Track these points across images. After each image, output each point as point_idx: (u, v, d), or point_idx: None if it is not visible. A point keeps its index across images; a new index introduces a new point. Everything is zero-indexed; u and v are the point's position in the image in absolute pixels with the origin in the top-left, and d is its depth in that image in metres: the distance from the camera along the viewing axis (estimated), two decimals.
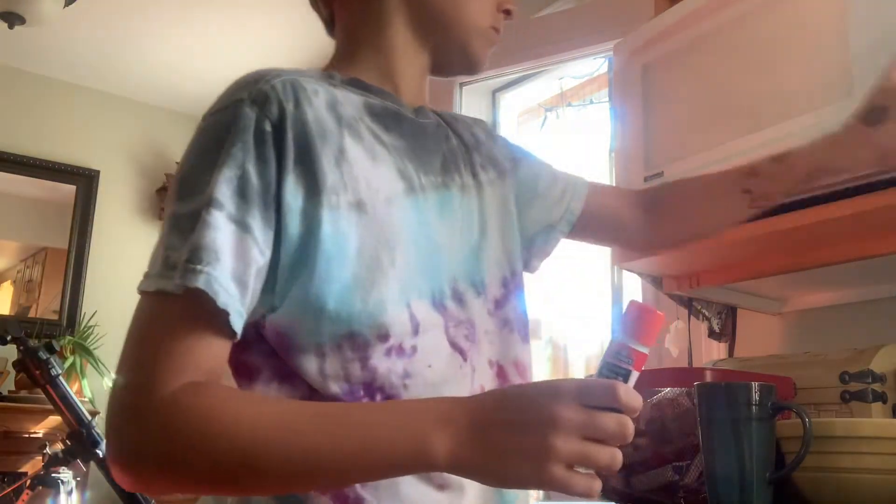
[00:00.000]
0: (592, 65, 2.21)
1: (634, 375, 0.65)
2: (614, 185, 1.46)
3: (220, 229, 0.65)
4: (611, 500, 1.09)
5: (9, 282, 3.63)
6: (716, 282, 1.30)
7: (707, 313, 1.48)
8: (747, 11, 1.14)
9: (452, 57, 0.88)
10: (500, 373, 0.83)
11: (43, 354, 1.88)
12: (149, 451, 0.62)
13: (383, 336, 0.71)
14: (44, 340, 1.98)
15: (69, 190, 3.71)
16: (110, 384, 3.75)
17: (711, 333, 1.48)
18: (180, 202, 0.68)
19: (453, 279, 0.79)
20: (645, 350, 0.66)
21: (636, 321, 0.66)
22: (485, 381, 0.80)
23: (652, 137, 1.26)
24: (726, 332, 1.48)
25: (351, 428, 0.62)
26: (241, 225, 0.67)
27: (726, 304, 1.47)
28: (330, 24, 0.90)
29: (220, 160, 0.68)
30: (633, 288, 1.89)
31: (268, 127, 0.70)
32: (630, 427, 0.61)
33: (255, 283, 0.68)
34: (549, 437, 0.58)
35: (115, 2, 3.04)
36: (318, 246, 0.69)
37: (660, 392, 1.02)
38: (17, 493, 1.95)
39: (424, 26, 0.85)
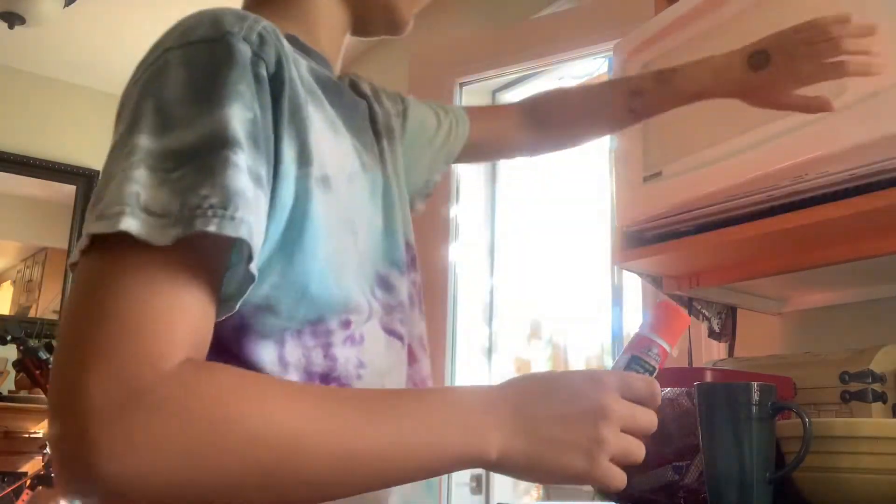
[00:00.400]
0: (592, 65, 2.21)
1: (656, 372, 0.66)
2: (611, 187, 1.46)
3: (246, 174, 0.54)
4: (611, 500, 1.09)
5: (9, 282, 3.63)
6: (716, 282, 1.30)
7: (707, 313, 1.48)
8: (745, 9, 1.13)
9: (375, 14, 0.82)
10: (410, 353, 0.77)
11: (43, 354, 1.89)
12: (159, 444, 0.46)
13: (345, 323, 0.66)
14: (44, 340, 1.98)
15: (69, 190, 3.71)
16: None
17: (711, 333, 1.48)
18: (158, 136, 0.55)
19: (378, 263, 0.74)
20: (670, 349, 0.66)
21: (668, 320, 0.66)
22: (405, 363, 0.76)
23: (651, 137, 1.26)
24: (726, 332, 1.48)
25: (394, 417, 0.54)
26: (256, 176, 0.56)
27: (726, 304, 1.46)
28: None
29: (224, 94, 0.56)
30: (633, 288, 1.89)
31: (264, 72, 0.59)
32: (656, 423, 0.61)
33: (260, 249, 0.58)
34: (601, 429, 0.57)
35: (114, 2, 3.04)
36: (306, 219, 0.61)
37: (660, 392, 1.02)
38: (17, 493, 1.95)
39: None
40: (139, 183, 0.52)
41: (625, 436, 0.59)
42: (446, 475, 2.06)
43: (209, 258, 0.53)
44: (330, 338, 0.65)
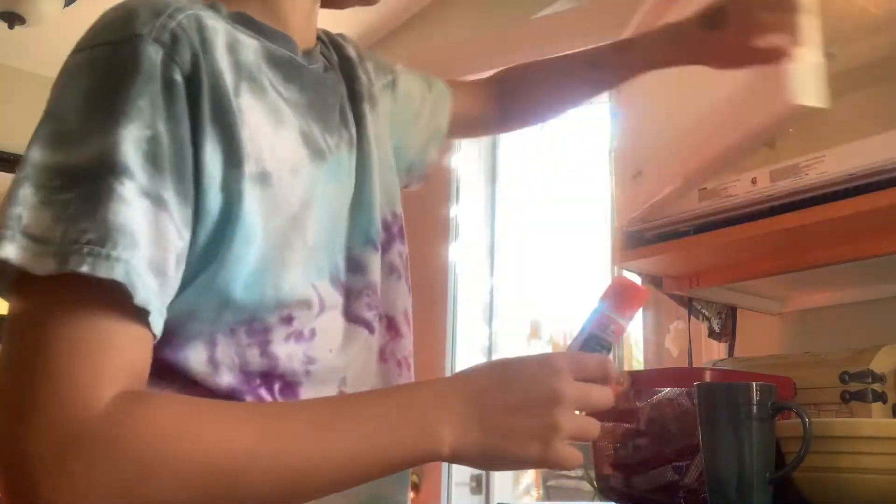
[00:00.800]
0: None
1: (612, 348, 0.68)
2: (611, 187, 1.46)
3: (133, 205, 0.51)
4: (611, 499, 1.09)
5: None
6: (716, 282, 1.30)
7: (707, 313, 1.48)
8: None
9: None
10: (391, 325, 0.76)
11: None
12: (101, 490, 0.46)
13: (286, 319, 0.63)
14: None
15: None
16: None
17: (711, 333, 1.48)
18: (51, 150, 0.53)
19: (347, 248, 0.72)
20: (626, 325, 0.68)
21: (624, 295, 0.68)
22: (380, 341, 0.75)
23: (637, 136, 1.26)
24: (726, 332, 1.48)
25: (344, 425, 0.55)
26: (156, 200, 0.53)
27: (726, 304, 1.46)
28: None
29: (120, 111, 0.53)
30: None
31: (178, 77, 0.56)
32: (612, 398, 0.62)
33: (175, 272, 0.55)
34: (555, 415, 0.59)
35: (114, 2, 3.05)
36: (237, 224, 0.59)
37: (660, 392, 1.02)
38: None
39: None
40: (22, 203, 0.51)
41: (579, 417, 0.60)
42: (446, 475, 2.06)
43: (126, 295, 0.51)
44: (268, 335, 0.62)
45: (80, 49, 0.58)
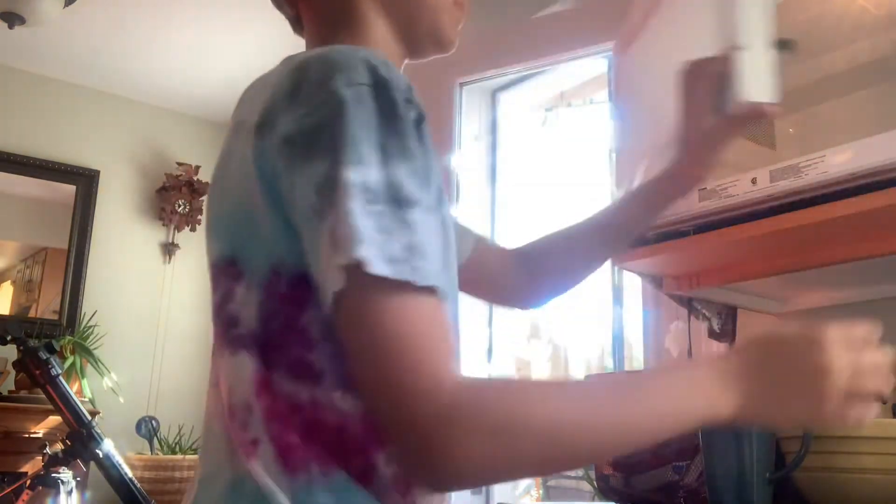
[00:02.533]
0: (592, 65, 2.21)
1: None
2: (612, 187, 1.46)
3: (429, 226, 0.61)
4: (611, 499, 1.09)
5: (9, 282, 3.63)
6: (716, 282, 1.30)
7: (707, 313, 1.48)
8: None
9: (425, 40, 0.89)
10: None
11: (43, 354, 1.89)
12: (481, 451, 0.56)
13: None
14: (44, 340, 1.98)
15: (69, 190, 3.71)
16: (111, 385, 3.72)
17: (711, 333, 1.48)
18: (358, 167, 0.60)
19: None
20: None
21: None
22: None
23: (655, 138, 1.26)
24: (726, 332, 1.48)
25: (651, 397, 0.64)
26: (437, 213, 0.63)
27: (726, 304, 1.46)
28: (296, 23, 0.89)
29: (400, 146, 0.61)
30: (633, 288, 1.89)
31: (422, 114, 0.66)
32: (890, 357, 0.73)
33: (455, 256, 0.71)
34: (825, 386, 0.65)
35: (114, 2, 3.05)
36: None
37: None
38: (17, 493, 1.95)
39: (395, 13, 0.85)
40: (366, 215, 0.58)
41: (857, 379, 0.67)
42: None
43: (441, 297, 0.60)
44: None
45: (346, 84, 0.65)
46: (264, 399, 0.64)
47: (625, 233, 1.06)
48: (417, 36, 0.88)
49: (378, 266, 0.56)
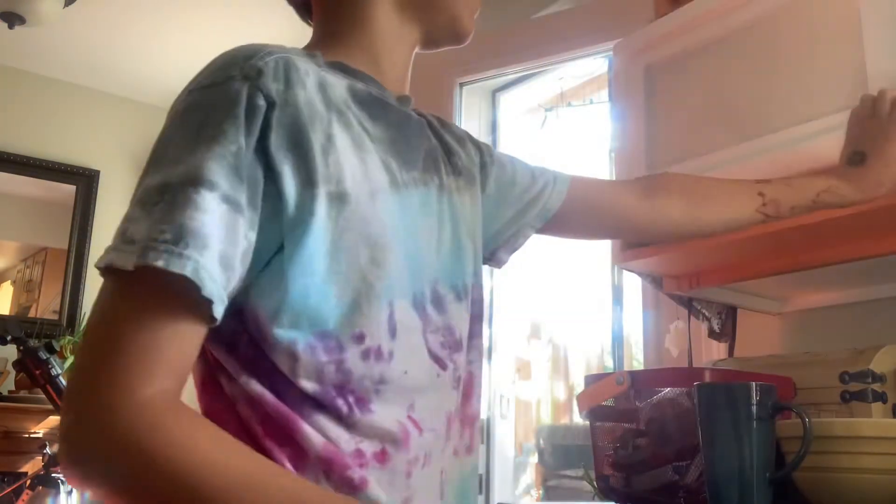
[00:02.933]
0: (592, 65, 2.21)
1: None
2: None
3: (212, 211, 0.61)
4: (611, 499, 1.09)
5: (9, 282, 3.63)
6: (716, 282, 1.30)
7: (707, 313, 1.48)
8: (757, 16, 1.13)
9: (442, 29, 0.86)
10: (467, 391, 0.81)
11: (43, 354, 1.88)
12: (99, 461, 0.57)
13: (358, 337, 0.68)
14: (44, 340, 1.98)
15: (69, 190, 3.71)
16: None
17: (711, 333, 1.48)
18: (153, 174, 0.63)
19: (434, 281, 0.76)
20: None
21: None
22: (457, 397, 0.78)
23: (655, 138, 1.26)
24: (726, 332, 1.48)
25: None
26: (234, 204, 0.62)
27: (726, 304, 1.47)
28: (303, 9, 0.88)
29: (208, 136, 0.63)
30: (633, 288, 1.89)
31: (261, 102, 0.65)
32: None
33: (241, 266, 0.63)
34: None
35: (114, 2, 3.05)
36: (307, 237, 0.66)
37: (660, 392, 1.02)
38: (17, 493, 1.95)
39: (412, 3, 0.83)
40: (129, 219, 0.62)
41: None
42: None
43: (193, 288, 0.59)
44: (342, 352, 0.68)
45: (186, 90, 0.69)
46: (203, 398, 0.70)
47: (786, 199, 0.99)
48: (436, 27, 0.85)
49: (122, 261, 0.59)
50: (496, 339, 2.25)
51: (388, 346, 0.70)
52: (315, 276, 0.66)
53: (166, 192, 0.61)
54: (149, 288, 0.59)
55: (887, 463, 0.80)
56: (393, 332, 0.70)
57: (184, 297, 0.59)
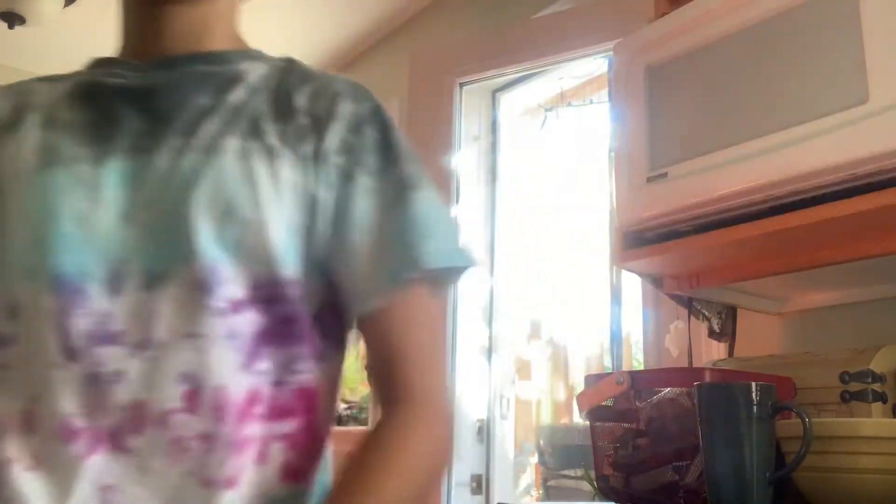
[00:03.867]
0: (592, 65, 2.21)
1: None
2: (611, 187, 1.46)
3: None
4: (611, 499, 1.09)
5: None
6: (716, 282, 1.30)
7: (707, 313, 1.48)
8: (757, 16, 1.13)
9: None
10: (192, 395, 0.64)
11: None
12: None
13: None
14: None
15: None
16: None
17: (711, 333, 1.48)
18: None
19: (116, 261, 0.66)
20: None
21: None
22: (168, 400, 0.64)
23: (655, 138, 1.26)
24: (726, 332, 1.48)
25: None
26: None
27: (726, 304, 1.46)
28: None
29: None
30: (633, 288, 1.89)
31: None
32: None
33: None
34: None
35: (114, 2, 3.05)
36: None
37: (660, 392, 1.02)
38: None
39: None
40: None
41: None
42: (447, 475, 2.06)
43: None
44: None
45: None
46: None
47: None
48: None
49: None
50: (496, 339, 2.25)
51: (7, 328, 0.66)
52: None
53: None
54: None
55: (887, 463, 0.80)
56: (12, 314, 0.67)
57: None
